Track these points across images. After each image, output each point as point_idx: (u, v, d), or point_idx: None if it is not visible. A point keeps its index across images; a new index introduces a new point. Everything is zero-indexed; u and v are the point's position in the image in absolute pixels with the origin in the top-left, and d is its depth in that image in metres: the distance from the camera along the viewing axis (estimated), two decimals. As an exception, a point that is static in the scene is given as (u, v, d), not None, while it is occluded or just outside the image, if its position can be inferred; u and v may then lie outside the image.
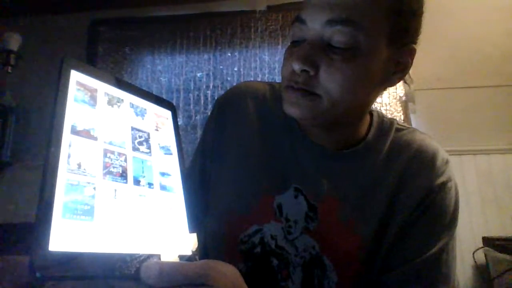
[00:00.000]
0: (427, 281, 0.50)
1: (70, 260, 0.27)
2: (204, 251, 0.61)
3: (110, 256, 0.30)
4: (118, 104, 0.40)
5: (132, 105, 0.42)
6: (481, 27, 1.97)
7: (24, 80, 2.19)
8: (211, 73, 2.21)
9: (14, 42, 2.10)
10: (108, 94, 0.39)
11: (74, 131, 0.33)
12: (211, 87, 2.19)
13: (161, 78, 2.24)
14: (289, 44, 0.54)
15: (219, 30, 2.24)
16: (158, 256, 0.32)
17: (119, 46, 2.30)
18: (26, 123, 2.16)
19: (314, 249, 0.53)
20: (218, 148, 0.62)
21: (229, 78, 2.20)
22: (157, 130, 0.43)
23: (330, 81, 0.47)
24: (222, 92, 0.64)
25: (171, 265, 0.30)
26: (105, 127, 0.36)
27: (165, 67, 2.26)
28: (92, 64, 2.26)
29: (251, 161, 0.58)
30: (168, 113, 0.46)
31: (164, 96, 2.19)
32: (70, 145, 0.32)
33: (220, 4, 2.25)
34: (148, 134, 0.41)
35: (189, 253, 0.37)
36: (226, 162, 0.60)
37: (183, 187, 0.41)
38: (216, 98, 0.67)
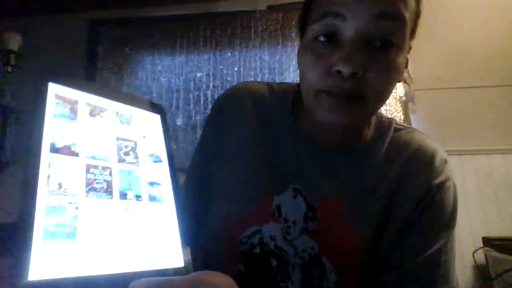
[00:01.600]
0: (426, 281, 0.50)
1: (53, 286, 0.26)
2: (204, 251, 0.61)
3: (99, 279, 0.29)
4: (101, 113, 0.38)
5: (117, 114, 0.40)
6: (481, 27, 1.97)
7: (24, 80, 2.19)
8: (211, 73, 2.21)
9: (14, 42, 2.11)
10: (90, 104, 0.37)
11: (54, 149, 0.31)
12: (211, 87, 2.19)
13: (161, 78, 2.25)
14: (307, 42, 0.49)
15: (219, 30, 2.24)
16: (148, 273, 0.31)
17: (119, 46, 2.31)
18: (26, 123, 2.16)
19: (313, 250, 0.53)
20: (217, 148, 0.62)
21: (229, 78, 2.20)
22: (144, 137, 0.41)
23: (378, 82, 0.45)
24: (222, 92, 0.64)
25: (159, 282, 0.29)
26: (87, 141, 0.35)
27: (165, 67, 2.26)
28: (92, 64, 2.26)
29: (250, 162, 0.58)
30: (156, 117, 0.44)
31: (164, 96, 2.20)
32: (49, 165, 0.30)
33: (220, 4, 2.25)
34: (135, 143, 0.39)
35: (181, 265, 0.35)
36: (225, 163, 0.60)
37: (175, 197, 0.40)
38: (216, 98, 0.66)
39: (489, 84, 1.92)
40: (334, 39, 0.46)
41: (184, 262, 0.36)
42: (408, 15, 0.46)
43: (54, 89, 0.34)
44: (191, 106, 2.18)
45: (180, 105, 2.18)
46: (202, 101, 2.18)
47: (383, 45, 0.45)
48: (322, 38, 0.47)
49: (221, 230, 0.57)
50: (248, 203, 0.56)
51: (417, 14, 0.50)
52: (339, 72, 0.44)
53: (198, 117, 2.16)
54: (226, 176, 0.60)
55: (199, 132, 2.13)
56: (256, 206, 0.56)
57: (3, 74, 2.12)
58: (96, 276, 0.28)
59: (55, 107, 0.34)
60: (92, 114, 0.37)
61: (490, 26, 1.96)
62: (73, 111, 0.35)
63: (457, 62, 1.96)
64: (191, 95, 2.19)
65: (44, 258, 0.26)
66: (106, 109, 0.39)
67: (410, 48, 0.53)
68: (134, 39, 2.30)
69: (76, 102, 0.36)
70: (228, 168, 0.60)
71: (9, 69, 2.11)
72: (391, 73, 0.46)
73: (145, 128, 0.42)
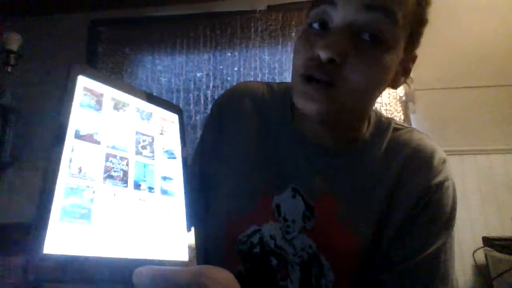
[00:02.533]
0: (425, 280, 0.50)
1: (66, 263, 0.27)
2: (204, 251, 0.61)
3: (108, 261, 0.30)
4: (124, 108, 0.40)
5: (138, 109, 0.42)
6: (481, 28, 1.97)
7: (24, 80, 2.20)
8: (211, 73, 2.21)
9: (14, 42, 2.11)
10: (114, 99, 0.39)
11: (78, 136, 0.33)
12: (211, 87, 2.20)
13: (161, 78, 2.25)
14: (304, 29, 0.50)
15: (219, 30, 2.24)
16: (153, 262, 0.32)
17: (119, 46, 2.31)
18: (26, 123, 2.16)
19: (311, 249, 0.53)
20: (217, 148, 0.62)
21: (229, 78, 2.20)
22: (162, 134, 0.43)
23: (355, 73, 0.45)
24: (222, 92, 0.64)
25: (164, 271, 0.30)
26: (109, 131, 0.37)
27: (165, 67, 2.26)
28: (92, 64, 2.26)
29: (250, 162, 0.58)
30: (174, 117, 0.46)
31: (164, 96, 2.20)
32: (72, 150, 0.32)
33: (220, 4, 2.26)
34: (152, 138, 0.42)
35: (186, 259, 0.36)
36: (225, 163, 0.60)
37: (185, 188, 0.42)
38: (216, 98, 0.67)
39: (489, 84, 1.92)
40: (326, 27, 0.47)
41: (189, 256, 0.37)
42: (402, 15, 0.45)
43: (83, 82, 0.36)
44: (191, 106, 2.18)
45: (180, 105, 2.18)
46: (202, 101, 2.18)
47: (372, 40, 0.45)
48: (316, 25, 0.48)
49: (221, 229, 0.57)
50: (248, 202, 0.56)
51: (419, 20, 0.49)
52: (319, 56, 0.45)
53: (198, 117, 2.16)
54: (226, 175, 0.60)
55: (199, 132, 2.13)
56: (256, 205, 0.56)
57: (3, 74, 2.12)
58: (106, 258, 0.30)
59: (82, 98, 0.36)
60: (115, 107, 0.39)
61: (490, 26, 1.97)
62: (99, 103, 0.37)
63: (457, 62, 1.96)
64: (191, 95, 2.20)
65: (60, 235, 0.28)
66: (128, 104, 0.41)
67: (414, 58, 0.53)
68: (134, 39, 2.31)
69: (102, 95, 0.38)
70: (227, 168, 0.60)
71: (9, 69, 2.11)
72: (372, 68, 0.46)
73: (163, 126, 0.44)
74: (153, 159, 0.40)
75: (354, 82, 0.45)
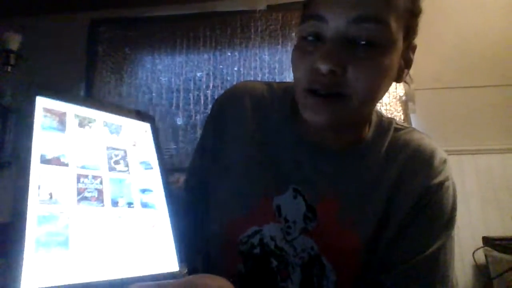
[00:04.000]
0: (425, 280, 0.50)
1: None
2: (205, 251, 0.61)
3: (93, 286, 0.29)
4: (90, 124, 0.39)
5: (106, 124, 0.40)
6: (481, 27, 1.97)
7: (24, 80, 2.19)
8: (211, 73, 2.21)
9: (14, 42, 2.10)
10: (78, 116, 0.38)
11: (44, 160, 0.32)
12: (211, 87, 2.20)
13: (161, 78, 2.24)
14: (298, 41, 0.50)
15: (219, 30, 2.24)
16: (143, 278, 0.31)
17: (119, 46, 2.31)
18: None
19: (312, 250, 0.53)
20: (217, 148, 0.62)
21: (229, 78, 2.20)
22: (134, 145, 0.42)
23: (359, 80, 0.45)
24: (222, 91, 0.63)
25: (153, 286, 0.29)
26: (76, 151, 0.35)
27: (165, 67, 2.26)
28: (92, 64, 2.26)
29: (250, 162, 0.58)
30: (146, 126, 0.45)
31: (164, 96, 2.20)
32: (40, 176, 0.31)
33: (220, 4, 2.25)
34: (125, 151, 0.40)
35: (176, 269, 0.36)
36: (225, 163, 0.60)
37: (167, 203, 0.40)
38: (216, 98, 0.66)
39: (489, 84, 1.92)
40: (321, 38, 0.47)
41: (179, 267, 0.36)
42: (393, 16, 0.45)
43: (41, 103, 0.35)
44: (191, 106, 2.18)
45: (180, 104, 2.18)
46: (202, 101, 2.18)
47: (368, 44, 0.45)
48: (309, 37, 0.48)
49: (221, 230, 0.57)
50: (248, 203, 0.56)
51: (412, 13, 0.49)
52: (318, 69, 0.45)
53: (198, 117, 2.16)
54: (226, 175, 0.60)
55: (199, 132, 2.13)
56: (256, 206, 0.56)
57: (3, 74, 2.12)
58: (90, 282, 0.29)
59: (43, 120, 0.34)
60: (81, 125, 0.38)
61: (490, 26, 1.96)
62: (62, 123, 0.36)
63: (457, 62, 1.96)
64: (191, 95, 2.20)
65: (36, 267, 0.26)
66: (95, 120, 0.39)
67: (414, 48, 0.53)
68: (134, 39, 2.30)
69: (64, 114, 0.37)
70: (228, 168, 0.60)
71: (9, 69, 2.11)
72: (373, 71, 0.46)
73: (135, 137, 0.43)
74: (129, 173, 0.39)
75: (359, 89, 0.46)
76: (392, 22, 0.45)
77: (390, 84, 0.52)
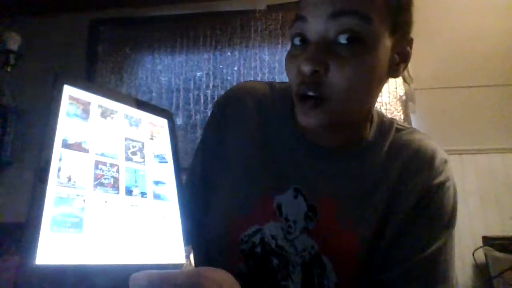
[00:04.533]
0: (426, 280, 0.50)
1: (59, 273, 0.27)
2: (205, 251, 0.61)
3: (102, 268, 0.30)
4: (112, 115, 0.40)
5: (126, 116, 0.42)
6: (481, 27, 1.97)
7: (24, 80, 2.19)
8: (211, 73, 2.21)
9: (14, 42, 2.11)
10: (101, 107, 0.39)
11: (65, 145, 0.33)
12: (211, 86, 2.20)
13: (161, 78, 2.25)
14: (289, 47, 0.52)
15: (219, 30, 2.24)
16: (150, 266, 0.32)
17: (119, 46, 2.31)
18: (26, 123, 2.16)
19: (313, 249, 0.53)
20: (218, 148, 0.62)
21: (229, 78, 2.20)
22: (152, 139, 0.43)
23: (341, 79, 0.46)
24: (222, 91, 0.64)
25: (160, 275, 0.30)
26: (97, 139, 0.37)
27: (165, 67, 2.26)
28: (92, 64, 2.26)
29: (251, 161, 0.58)
30: (164, 122, 0.46)
31: (164, 96, 2.20)
32: (60, 159, 0.32)
33: (220, 4, 2.25)
34: (143, 144, 0.42)
35: (183, 261, 0.36)
36: (226, 162, 0.61)
37: (178, 196, 0.41)
38: (216, 97, 0.66)
39: (489, 84, 1.92)
40: (306, 41, 0.48)
41: (186, 259, 0.37)
42: (374, 9, 0.45)
43: (68, 91, 0.37)
44: (191, 106, 2.18)
45: (180, 104, 2.19)
46: (202, 101, 2.18)
47: (350, 42, 0.45)
48: (297, 41, 0.49)
49: (222, 229, 0.57)
50: (249, 202, 0.56)
51: (399, 5, 0.48)
52: (303, 71, 0.46)
53: (198, 117, 2.16)
54: (227, 175, 0.60)
55: (199, 132, 2.13)
56: (257, 205, 0.56)
57: (3, 74, 2.12)
58: (99, 265, 0.30)
59: (68, 107, 0.36)
60: (103, 115, 0.39)
61: (490, 26, 1.96)
62: (86, 112, 0.37)
63: (457, 62, 1.96)
64: (191, 95, 2.20)
65: (51, 245, 0.28)
66: (116, 112, 0.41)
67: (411, 41, 0.52)
68: (134, 39, 2.31)
69: (88, 103, 0.38)
70: (229, 167, 0.60)
71: (9, 69, 2.11)
72: (356, 70, 0.46)
73: (153, 131, 0.44)
74: (144, 164, 0.40)
75: (344, 88, 0.46)
76: (374, 16, 0.45)
77: (381, 80, 0.52)
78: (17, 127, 2.15)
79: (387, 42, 0.48)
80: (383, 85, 0.54)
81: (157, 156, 0.43)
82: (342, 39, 0.45)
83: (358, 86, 0.47)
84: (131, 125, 0.42)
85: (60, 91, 0.35)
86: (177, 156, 0.45)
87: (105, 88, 0.41)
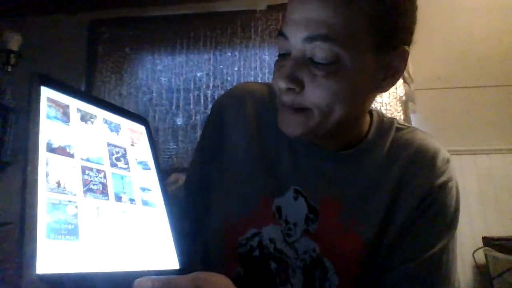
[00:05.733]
0: (427, 281, 0.50)
1: (61, 282, 0.26)
2: (205, 252, 0.61)
3: (105, 276, 0.29)
4: (92, 120, 0.39)
5: (105, 121, 0.41)
6: (481, 27, 1.97)
7: (24, 80, 2.19)
8: (211, 73, 2.21)
9: (14, 42, 2.10)
10: (80, 110, 0.38)
11: (50, 149, 0.32)
12: (211, 87, 2.19)
13: (161, 78, 2.24)
14: (277, 56, 0.53)
15: (219, 30, 2.24)
16: (150, 272, 0.32)
17: (119, 46, 2.30)
18: (23, 123, 2.15)
19: (314, 252, 0.53)
20: (217, 149, 0.62)
21: (229, 78, 2.19)
22: (133, 145, 0.43)
23: (315, 97, 0.47)
24: (222, 92, 0.64)
25: (162, 280, 0.31)
26: (81, 144, 0.36)
27: (165, 67, 2.26)
28: (92, 64, 2.26)
29: (250, 163, 0.58)
30: (142, 128, 0.46)
31: (164, 96, 2.20)
32: (47, 163, 0.31)
33: (220, 4, 2.25)
34: (125, 150, 0.41)
35: (177, 267, 0.36)
36: (225, 163, 0.60)
37: (165, 203, 0.41)
38: (216, 98, 0.67)
39: (489, 84, 1.92)
40: (287, 55, 0.49)
41: (180, 265, 0.37)
42: (349, 33, 0.45)
43: (46, 93, 0.35)
44: (191, 106, 2.18)
45: (180, 104, 2.18)
46: (202, 101, 2.18)
47: (325, 64, 0.46)
48: (281, 51, 0.51)
49: (221, 231, 0.57)
50: (248, 205, 0.56)
51: (385, 18, 0.46)
52: (279, 86, 0.48)
53: (198, 117, 2.16)
54: (226, 177, 0.60)
55: (199, 132, 2.13)
56: (256, 208, 0.55)
57: (3, 74, 2.11)
58: (100, 273, 0.29)
59: (48, 109, 0.34)
60: (83, 119, 0.38)
61: (490, 26, 1.96)
62: (66, 115, 0.36)
63: (457, 62, 1.96)
64: (191, 95, 2.19)
65: (49, 253, 0.27)
66: (95, 116, 0.40)
67: (403, 54, 0.49)
68: (134, 39, 2.30)
69: (67, 106, 0.37)
70: (227, 169, 0.60)
71: (9, 69, 2.11)
72: (331, 89, 0.46)
73: (133, 137, 0.44)
74: (129, 171, 0.39)
75: (321, 103, 0.47)
76: (349, 39, 0.45)
77: (364, 96, 0.51)
78: (17, 127, 2.14)
79: (368, 61, 0.47)
80: (370, 98, 0.53)
81: (140, 162, 0.42)
82: (318, 59, 0.46)
83: (336, 103, 0.47)
84: (111, 130, 0.41)
85: (38, 93, 0.34)
86: (158, 163, 0.44)
87: (80, 91, 0.41)
